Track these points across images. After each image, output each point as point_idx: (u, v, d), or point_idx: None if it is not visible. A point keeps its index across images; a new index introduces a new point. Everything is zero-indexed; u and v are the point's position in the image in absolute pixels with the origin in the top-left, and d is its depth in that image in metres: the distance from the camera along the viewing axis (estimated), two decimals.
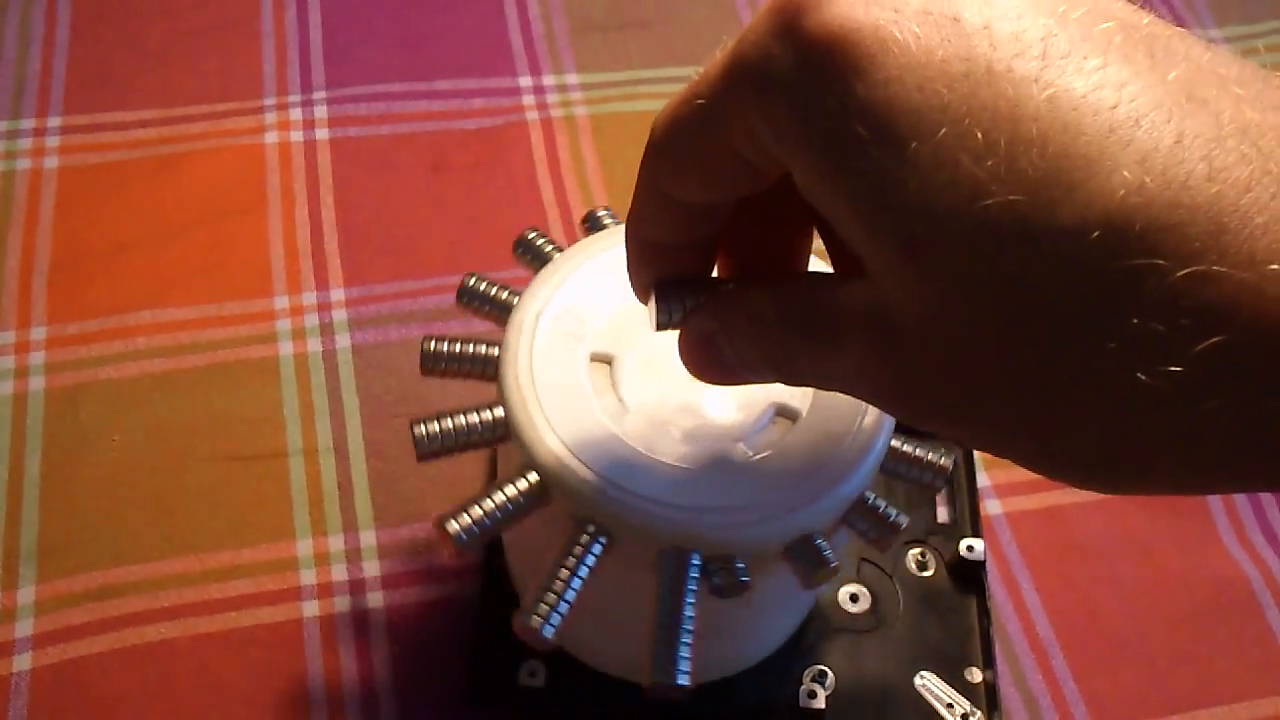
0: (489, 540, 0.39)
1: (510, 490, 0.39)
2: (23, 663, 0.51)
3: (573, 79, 0.73)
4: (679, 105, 0.30)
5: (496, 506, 0.38)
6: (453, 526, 0.38)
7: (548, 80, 0.73)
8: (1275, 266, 0.21)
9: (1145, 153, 0.22)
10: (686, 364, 0.35)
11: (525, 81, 0.73)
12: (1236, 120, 0.23)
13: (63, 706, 0.50)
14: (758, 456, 0.39)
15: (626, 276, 0.36)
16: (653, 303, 0.35)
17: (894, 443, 0.41)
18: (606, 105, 0.72)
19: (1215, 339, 0.22)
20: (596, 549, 0.38)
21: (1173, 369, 0.22)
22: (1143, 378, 0.23)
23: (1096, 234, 0.22)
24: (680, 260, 0.34)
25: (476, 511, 0.38)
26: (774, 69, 0.26)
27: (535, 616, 0.37)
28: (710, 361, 0.35)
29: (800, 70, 0.26)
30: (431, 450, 0.41)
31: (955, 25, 0.24)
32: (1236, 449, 0.24)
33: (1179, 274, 0.22)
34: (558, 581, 0.37)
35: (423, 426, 0.41)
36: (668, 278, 0.35)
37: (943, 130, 0.24)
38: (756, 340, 0.32)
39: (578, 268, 0.43)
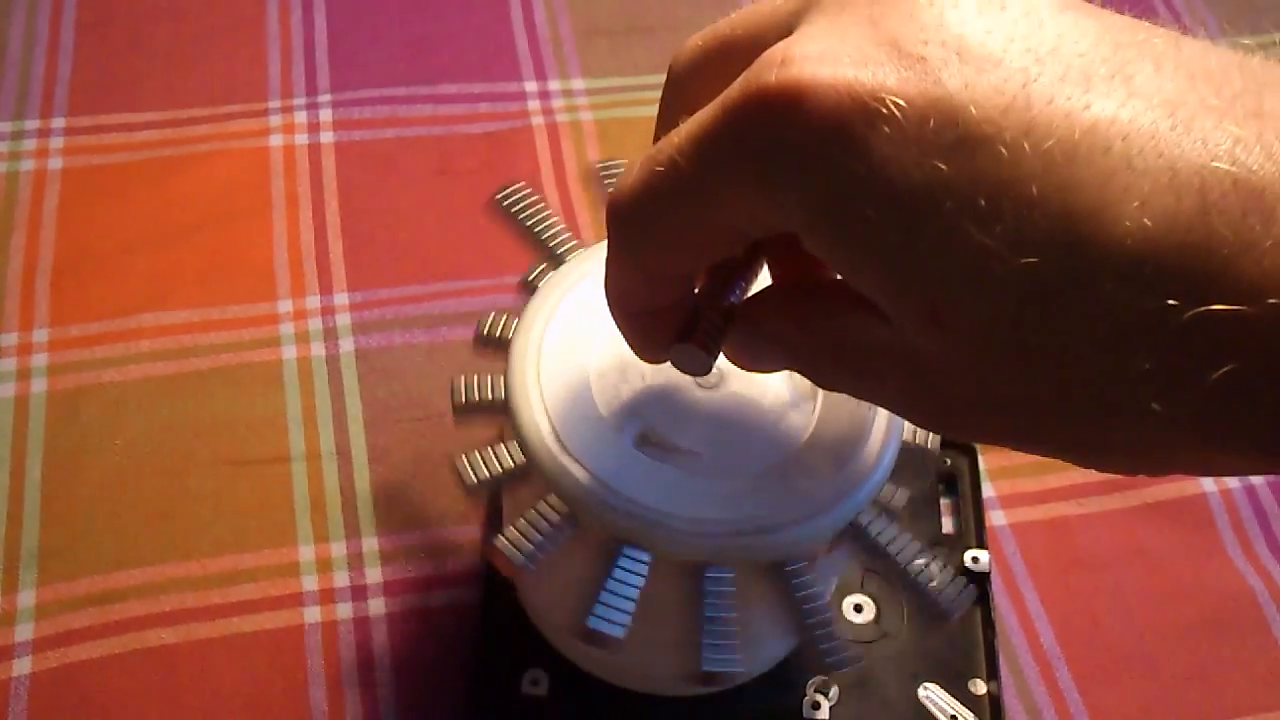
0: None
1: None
2: (22, 667, 0.51)
3: (578, 84, 0.73)
4: (651, 178, 0.29)
5: (553, 527, 0.38)
6: (516, 556, 0.38)
7: (553, 85, 0.73)
8: (1274, 300, 0.22)
9: (1143, 197, 0.22)
10: (739, 359, 0.35)
11: (531, 86, 0.73)
12: (1224, 138, 0.23)
13: (62, 711, 0.50)
14: (781, 459, 0.39)
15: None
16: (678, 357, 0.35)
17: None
18: (612, 110, 0.72)
19: (1227, 368, 0.22)
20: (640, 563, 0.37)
21: (1187, 399, 0.23)
22: (1158, 409, 0.23)
23: (1109, 285, 0.23)
24: (672, 319, 0.34)
25: (535, 536, 0.38)
26: (777, 153, 0.26)
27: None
28: (754, 361, 0.35)
29: (801, 155, 0.26)
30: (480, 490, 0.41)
31: (938, 90, 0.24)
32: (1255, 445, 0.24)
33: (1188, 314, 0.22)
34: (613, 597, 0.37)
35: (469, 470, 0.40)
36: (678, 336, 0.34)
37: (947, 204, 0.24)
38: (783, 359, 0.33)
39: (571, 288, 0.43)
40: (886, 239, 0.25)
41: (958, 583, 0.39)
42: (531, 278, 0.45)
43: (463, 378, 0.42)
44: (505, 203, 0.45)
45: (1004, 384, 0.26)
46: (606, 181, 0.45)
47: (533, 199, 0.45)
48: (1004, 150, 0.23)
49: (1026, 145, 0.23)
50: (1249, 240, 0.22)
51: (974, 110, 0.24)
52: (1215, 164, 0.22)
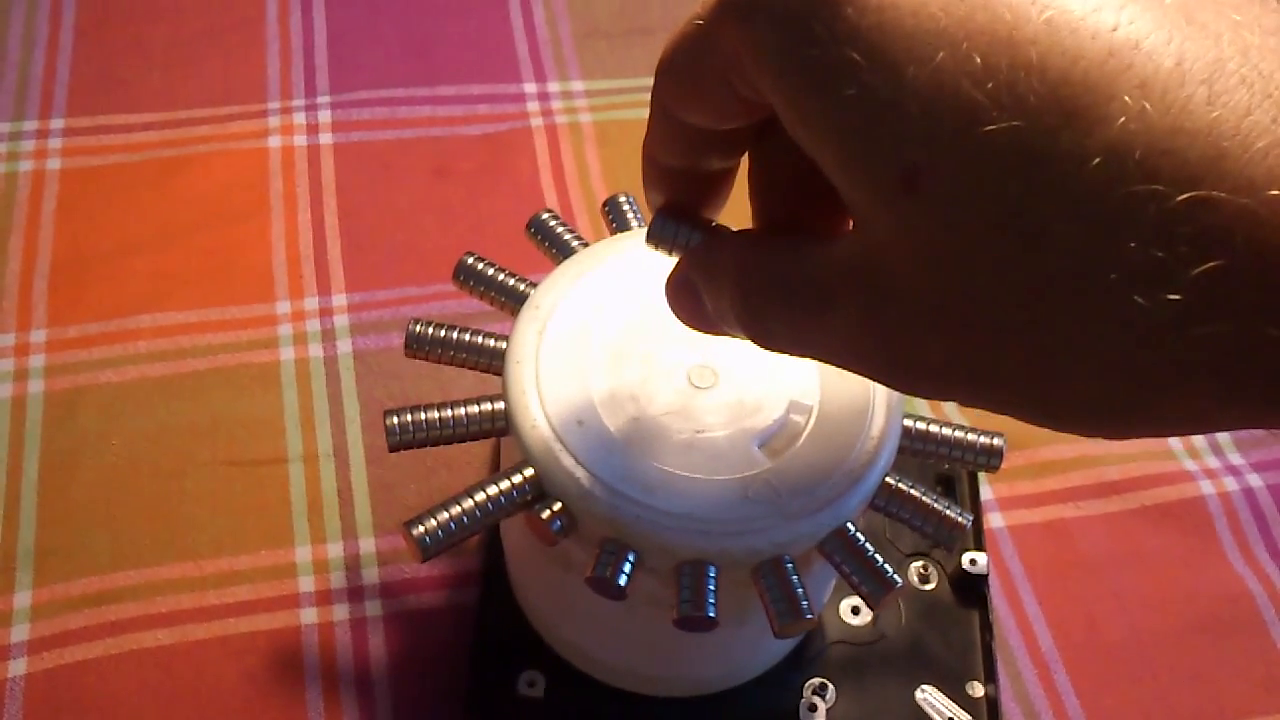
0: (453, 545, 0.38)
1: (491, 491, 0.38)
2: (18, 668, 0.50)
3: (578, 85, 0.73)
4: (684, 26, 0.29)
5: (467, 510, 0.38)
6: (418, 530, 0.38)
7: (553, 87, 0.73)
8: (1275, 192, 0.21)
9: (1145, 77, 0.22)
10: (669, 303, 0.35)
11: (530, 88, 0.73)
12: (1236, 43, 0.22)
13: (58, 712, 0.50)
14: (774, 461, 0.39)
15: (636, 284, 0.35)
16: (650, 224, 0.35)
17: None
18: (611, 112, 0.72)
19: (1213, 264, 0.22)
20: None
21: (1171, 295, 0.22)
22: (1141, 302, 0.22)
23: (1097, 160, 0.22)
24: (689, 189, 0.34)
25: (443, 515, 0.38)
26: None
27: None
28: (691, 309, 0.34)
29: None
30: (404, 442, 0.41)
31: None
32: (1233, 378, 0.23)
33: (1178, 199, 0.22)
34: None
35: (394, 418, 0.41)
36: (674, 206, 0.34)
37: (940, 54, 0.23)
38: (735, 298, 0.32)
39: (585, 273, 0.43)
40: (868, 87, 0.24)
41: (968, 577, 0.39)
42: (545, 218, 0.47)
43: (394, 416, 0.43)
44: (461, 277, 0.46)
45: (972, 280, 0.24)
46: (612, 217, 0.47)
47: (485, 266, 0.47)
48: (1008, 13, 0.23)
49: (1032, 11, 0.23)
50: (1252, 135, 0.21)
51: None
52: (1226, 61, 0.22)
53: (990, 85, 0.23)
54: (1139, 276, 0.22)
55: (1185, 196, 0.21)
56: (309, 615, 0.53)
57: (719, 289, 0.32)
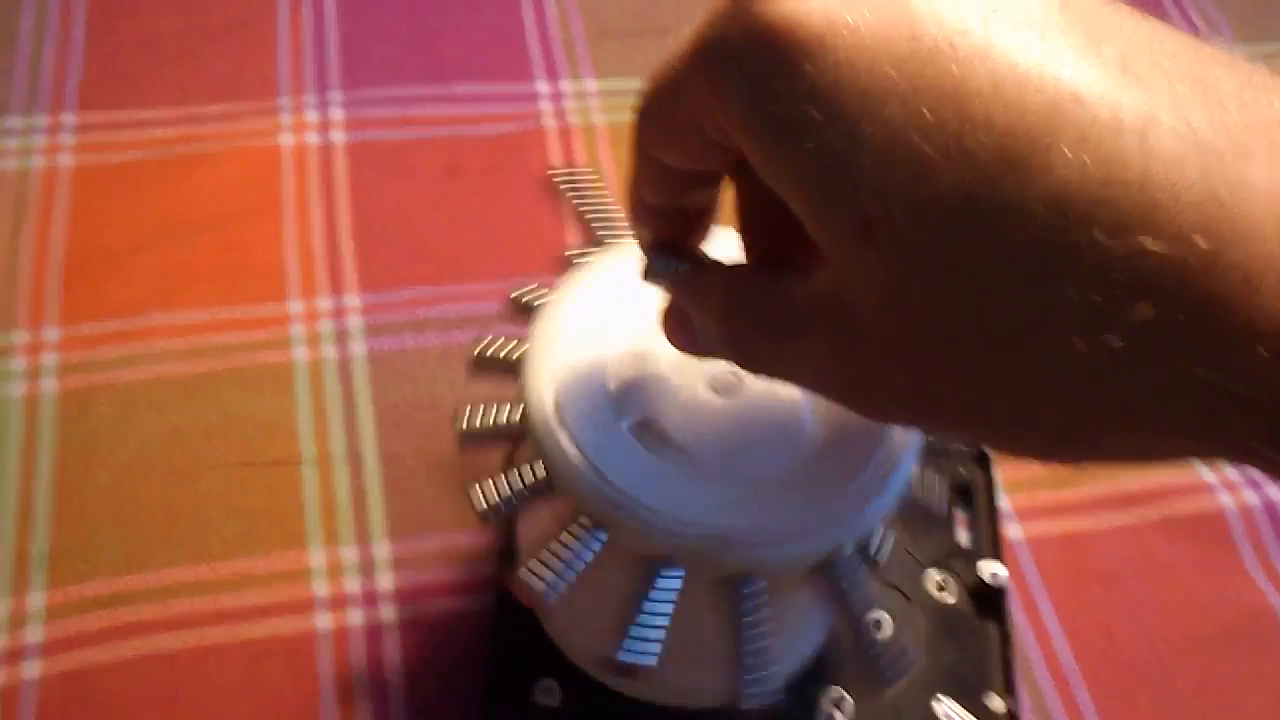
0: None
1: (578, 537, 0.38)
2: (32, 670, 0.50)
3: (591, 85, 0.73)
4: (659, 72, 0.30)
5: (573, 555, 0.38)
6: (537, 584, 0.37)
7: (565, 86, 0.73)
8: (1200, 241, 0.22)
9: (1083, 129, 0.23)
10: (663, 328, 0.37)
11: (543, 87, 0.73)
12: (1167, 93, 0.23)
13: (70, 715, 0.49)
14: (805, 459, 0.39)
15: (639, 299, 0.36)
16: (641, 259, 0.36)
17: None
18: (624, 112, 0.71)
19: (1146, 309, 0.23)
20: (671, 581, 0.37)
21: (1108, 337, 0.23)
22: (1080, 344, 0.23)
23: (1039, 210, 0.23)
24: (674, 224, 0.36)
25: (557, 564, 0.38)
26: (725, 50, 0.27)
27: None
28: (682, 334, 0.36)
29: (749, 53, 0.26)
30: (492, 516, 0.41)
31: (903, 7, 0.25)
32: (1174, 417, 0.24)
33: (1112, 247, 0.22)
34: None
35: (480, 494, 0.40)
36: (663, 241, 0.36)
37: (892, 109, 0.24)
38: (721, 325, 0.33)
39: (606, 275, 0.43)
40: (826, 141, 0.25)
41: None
42: (522, 295, 0.45)
43: (468, 407, 0.42)
44: (560, 182, 0.46)
45: (923, 322, 0.25)
46: (567, 191, 0.46)
47: (589, 182, 0.46)
48: (955, 68, 0.24)
49: (979, 67, 0.24)
50: (1182, 187, 0.22)
51: (933, 27, 0.24)
52: (1159, 113, 0.23)
53: (939, 138, 0.24)
54: (1077, 320, 0.23)
55: (1119, 245, 0.22)
56: (323, 620, 0.52)
57: (705, 314, 0.34)
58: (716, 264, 0.36)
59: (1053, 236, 0.23)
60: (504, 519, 0.39)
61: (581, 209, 0.46)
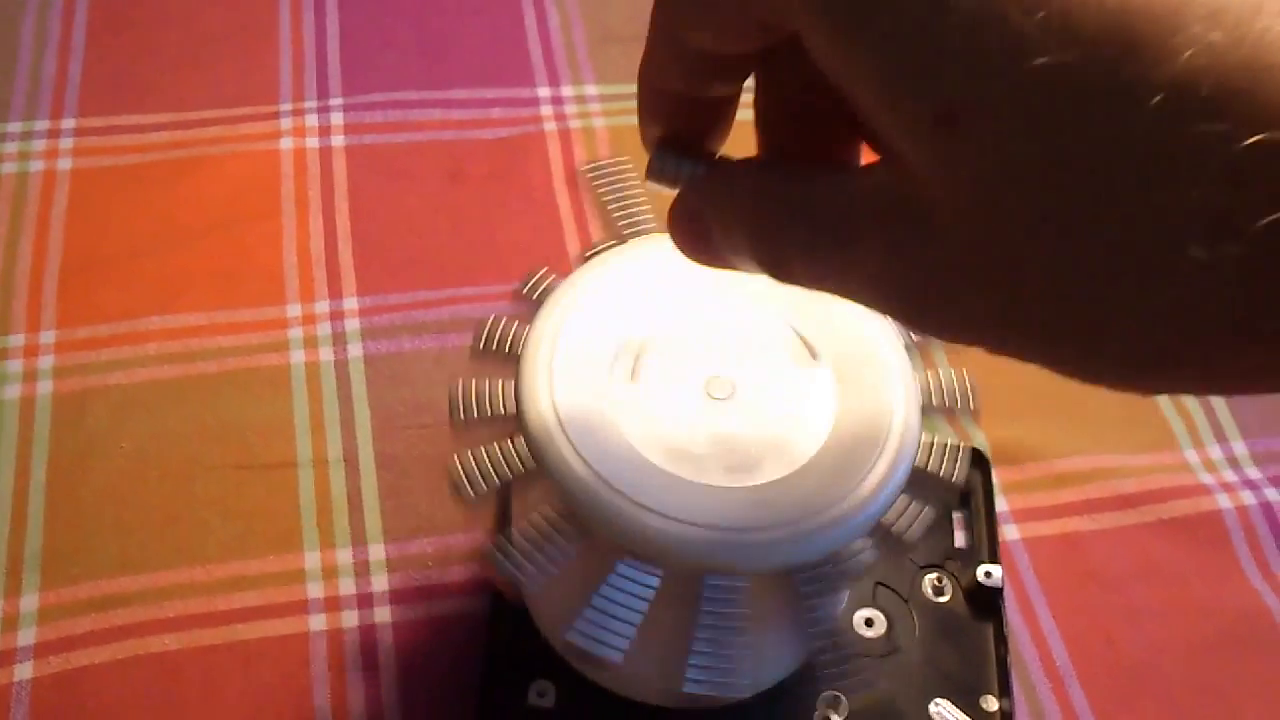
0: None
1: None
2: (24, 671, 0.50)
3: (591, 90, 0.73)
4: None
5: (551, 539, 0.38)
6: (505, 566, 0.37)
7: (566, 91, 0.73)
8: None
9: (1215, 7, 0.20)
10: (672, 236, 0.32)
11: (544, 92, 0.73)
12: None
13: (64, 717, 0.49)
14: (792, 469, 0.39)
15: (640, 298, 0.35)
16: (650, 156, 0.33)
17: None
18: (625, 117, 0.71)
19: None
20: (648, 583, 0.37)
21: (1233, 248, 0.20)
22: (1199, 253, 0.21)
23: (1159, 98, 0.20)
24: (690, 118, 0.32)
25: (532, 548, 0.38)
26: None
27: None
28: (697, 241, 0.32)
29: None
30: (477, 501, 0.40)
31: None
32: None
33: (1247, 142, 0.20)
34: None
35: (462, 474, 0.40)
36: (674, 137, 0.32)
37: None
38: (751, 228, 0.30)
39: (605, 277, 0.43)
40: (904, 16, 0.22)
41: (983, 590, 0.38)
42: (527, 289, 0.45)
43: (460, 385, 0.41)
44: (589, 175, 0.45)
45: (1013, 224, 0.23)
46: (595, 184, 0.44)
47: (620, 174, 0.44)
48: None
49: None
50: None
51: None
52: None
53: (1041, 14, 0.21)
54: (1200, 226, 0.21)
55: (1256, 139, 0.20)
56: (318, 622, 0.52)
57: (730, 219, 0.30)
58: (743, 161, 0.32)
59: (1177, 128, 0.20)
60: (483, 499, 0.38)
61: (607, 202, 0.45)
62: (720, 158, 0.33)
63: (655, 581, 0.37)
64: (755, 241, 0.29)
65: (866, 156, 0.29)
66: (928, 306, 0.26)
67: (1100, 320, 0.23)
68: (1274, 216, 0.20)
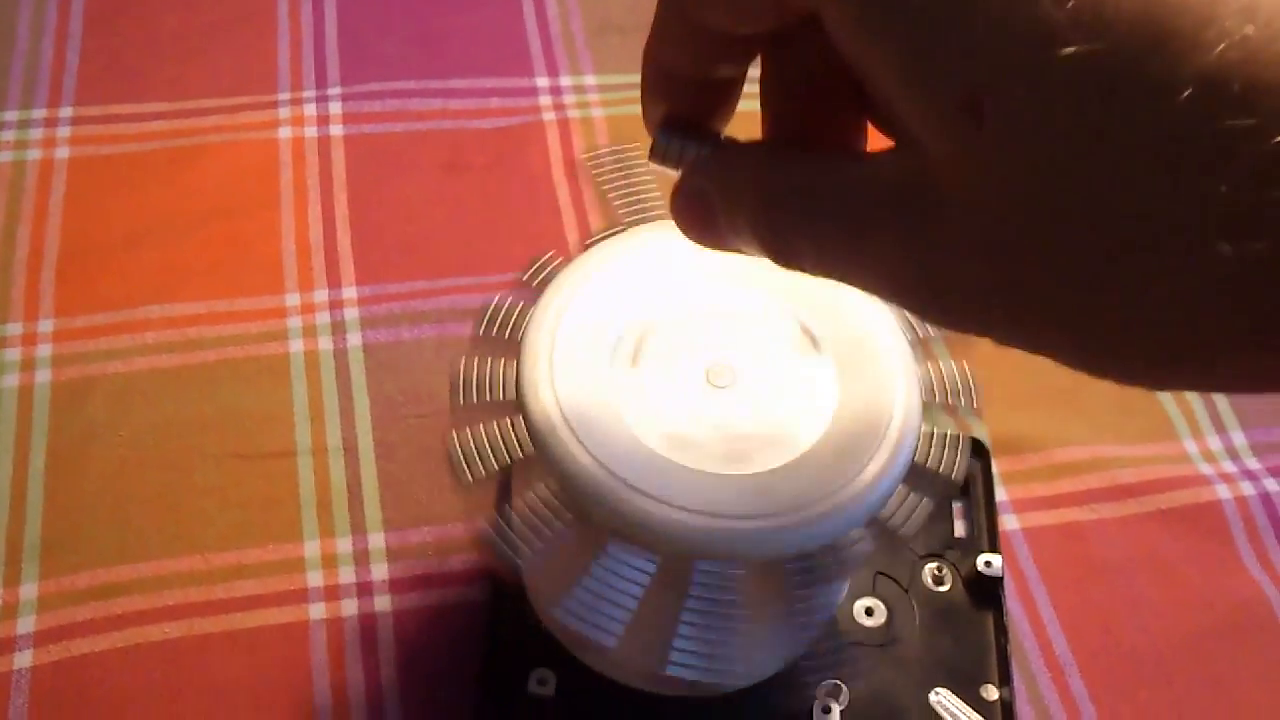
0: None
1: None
2: (23, 660, 0.50)
3: (590, 80, 0.73)
4: None
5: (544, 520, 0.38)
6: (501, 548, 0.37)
7: (565, 81, 0.73)
8: None
9: (1249, 1, 0.20)
10: (675, 217, 0.32)
11: (542, 82, 0.73)
12: None
13: (63, 705, 0.49)
14: (791, 458, 0.39)
15: (642, 282, 0.34)
16: (654, 137, 0.32)
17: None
18: (624, 107, 0.71)
19: None
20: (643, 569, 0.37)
21: (1259, 245, 0.20)
22: (1226, 249, 0.20)
23: (1189, 91, 0.20)
24: (695, 99, 0.32)
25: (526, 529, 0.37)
26: None
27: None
28: (702, 222, 0.32)
29: None
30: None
31: None
32: None
33: (1277, 139, 0.19)
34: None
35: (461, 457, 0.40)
36: (678, 116, 0.32)
37: None
38: (756, 212, 0.29)
39: (606, 264, 0.43)
40: (935, 2, 0.22)
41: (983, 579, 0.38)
42: (529, 274, 0.45)
43: (462, 368, 0.40)
44: (590, 164, 0.45)
45: (1037, 215, 0.22)
46: (595, 172, 0.44)
47: (621, 161, 0.44)
48: None
49: None
50: None
51: None
52: None
53: (1072, 4, 0.21)
54: (1226, 222, 0.20)
55: None
56: (317, 611, 0.52)
57: (737, 201, 0.30)
58: (749, 144, 0.32)
59: (1207, 123, 0.20)
60: (481, 483, 0.38)
61: (608, 190, 0.45)
62: (726, 138, 0.33)
63: (651, 567, 0.37)
64: (760, 226, 0.29)
65: (872, 141, 0.29)
66: (939, 296, 0.25)
67: (1121, 315, 0.23)
68: None
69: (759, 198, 0.29)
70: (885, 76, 0.24)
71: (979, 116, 0.22)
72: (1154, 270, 0.21)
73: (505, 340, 0.42)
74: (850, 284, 0.28)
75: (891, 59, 0.23)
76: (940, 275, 0.25)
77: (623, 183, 0.44)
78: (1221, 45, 0.20)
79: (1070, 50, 0.21)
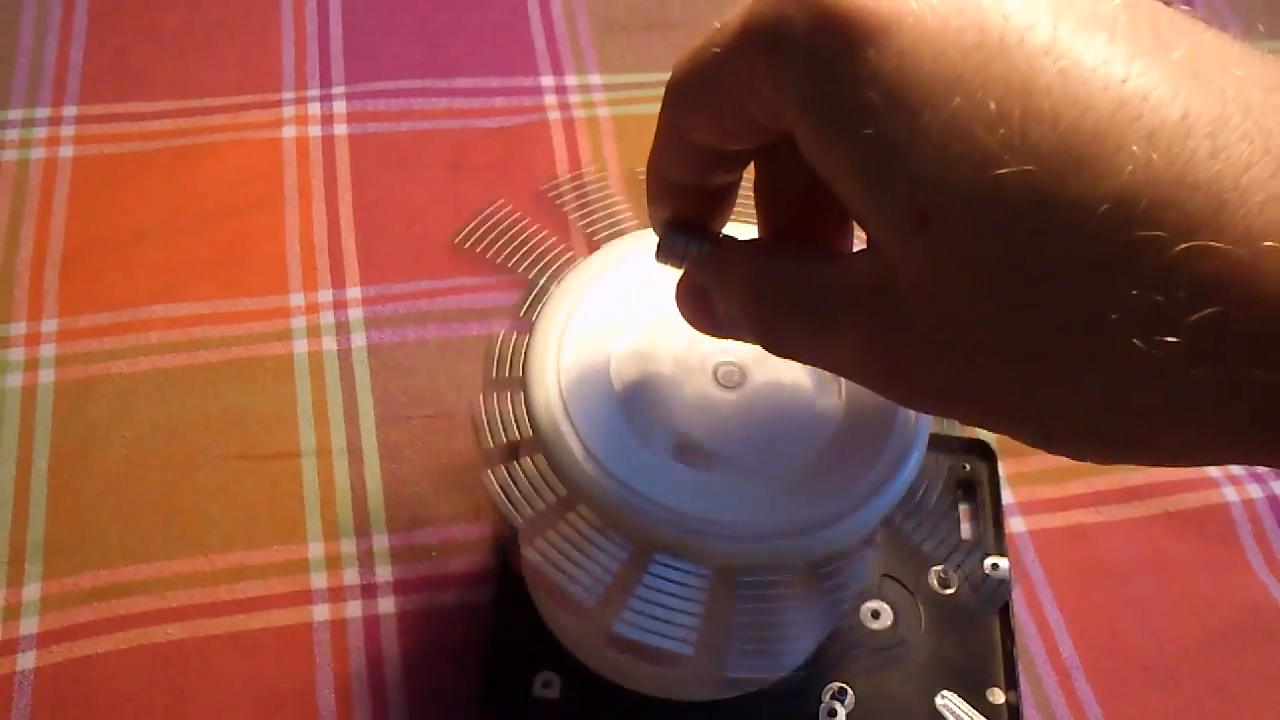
0: None
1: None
2: (27, 661, 0.50)
3: (595, 79, 0.73)
4: (697, 50, 0.30)
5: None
6: (584, 595, 0.37)
7: (570, 80, 0.73)
8: (1270, 243, 0.22)
9: (1152, 129, 0.23)
10: (680, 308, 0.36)
11: (547, 81, 0.72)
12: (1239, 99, 0.23)
13: (67, 706, 0.49)
14: (810, 457, 0.39)
15: (641, 296, 0.36)
16: (660, 239, 0.36)
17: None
18: (629, 107, 0.71)
19: (1208, 310, 0.22)
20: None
21: (1168, 338, 0.23)
22: (1139, 345, 0.23)
23: (1105, 208, 0.23)
24: (695, 203, 0.35)
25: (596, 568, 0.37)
26: (785, 32, 0.27)
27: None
28: (701, 314, 0.35)
29: (812, 35, 0.26)
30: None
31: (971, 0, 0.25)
32: (1225, 418, 0.24)
33: (1178, 248, 0.22)
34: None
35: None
36: (680, 219, 0.35)
37: (956, 100, 0.24)
38: (747, 305, 0.32)
39: (613, 267, 0.43)
40: (885, 128, 0.25)
41: (990, 582, 0.38)
42: (524, 312, 0.45)
43: (484, 413, 0.41)
44: (551, 195, 0.46)
45: (977, 315, 0.25)
46: (558, 203, 0.45)
47: (590, 184, 0.46)
48: (1023, 61, 0.24)
49: (1046, 62, 0.24)
50: (1251, 188, 0.22)
51: (1001, 21, 0.24)
52: (1230, 117, 0.23)
53: (1003, 131, 0.24)
54: (1138, 320, 0.23)
55: (1185, 246, 0.22)
56: (321, 612, 0.52)
57: (731, 295, 0.33)
58: (742, 242, 0.35)
59: (1118, 235, 0.23)
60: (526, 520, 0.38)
61: (575, 216, 0.46)
62: (724, 237, 0.36)
63: (706, 582, 0.37)
64: (751, 317, 0.32)
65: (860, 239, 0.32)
66: (901, 383, 0.29)
67: (1054, 401, 0.26)
68: (1201, 314, 0.22)
69: (750, 293, 0.32)
70: (848, 189, 0.27)
71: (926, 227, 0.25)
72: (1084, 364, 0.24)
73: (510, 378, 0.42)
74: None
75: (850, 174, 0.26)
76: (901, 365, 0.28)
77: (588, 206, 0.46)
78: (1130, 168, 0.23)
79: (1004, 171, 0.24)
